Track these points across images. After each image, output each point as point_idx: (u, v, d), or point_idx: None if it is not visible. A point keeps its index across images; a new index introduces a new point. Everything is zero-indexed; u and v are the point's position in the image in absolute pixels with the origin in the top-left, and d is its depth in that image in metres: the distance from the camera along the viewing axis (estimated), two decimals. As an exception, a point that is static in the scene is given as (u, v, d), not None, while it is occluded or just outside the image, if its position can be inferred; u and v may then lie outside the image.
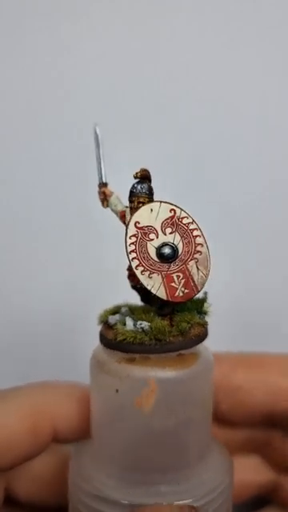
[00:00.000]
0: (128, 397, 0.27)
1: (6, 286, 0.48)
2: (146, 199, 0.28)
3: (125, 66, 0.46)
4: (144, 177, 0.28)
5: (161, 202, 0.26)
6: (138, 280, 0.28)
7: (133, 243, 0.26)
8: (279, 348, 0.33)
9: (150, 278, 0.26)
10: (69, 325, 0.47)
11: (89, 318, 0.45)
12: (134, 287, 0.30)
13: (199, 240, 0.26)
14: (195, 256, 0.26)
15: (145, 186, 0.28)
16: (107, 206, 0.29)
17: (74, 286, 0.47)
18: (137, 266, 0.26)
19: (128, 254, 0.26)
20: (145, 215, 0.26)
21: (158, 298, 0.28)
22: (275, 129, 0.44)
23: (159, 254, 0.26)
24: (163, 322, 0.28)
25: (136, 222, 0.26)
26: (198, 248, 0.26)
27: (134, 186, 0.28)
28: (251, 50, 0.44)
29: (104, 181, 0.29)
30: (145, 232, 0.26)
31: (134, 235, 0.26)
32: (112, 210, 0.29)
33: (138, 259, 0.26)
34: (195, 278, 0.26)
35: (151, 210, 0.26)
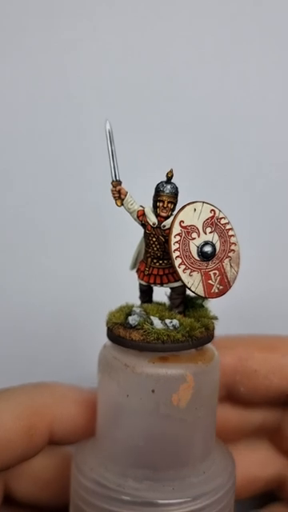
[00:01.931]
0: (163, 395, 0.27)
1: (7, 286, 0.45)
2: (174, 199, 0.28)
3: (125, 66, 0.45)
4: (172, 177, 0.28)
5: (203, 202, 0.27)
6: (154, 280, 0.29)
7: (177, 242, 0.27)
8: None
9: (191, 276, 0.27)
10: (69, 324, 0.46)
11: (89, 317, 0.43)
12: (143, 286, 0.30)
13: (233, 239, 0.28)
14: (229, 254, 0.28)
15: (174, 186, 0.28)
16: (121, 204, 0.29)
17: (74, 286, 0.46)
18: (179, 264, 0.27)
19: (172, 252, 0.27)
20: (189, 215, 0.27)
21: (179, 295, 0.29)
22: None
23: (201, 253, 0.27)
24: (190, 318, 0.29)
25: (181, 222, 0.27)
26: (232, 247, 0.28)
27: (163, 185, 0.28)
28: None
29: (118, 178, 0.29)
30: (188, 231, 0.27)
31: (178, 234, 0.27)
32: (127, 208, 0.29)
33: (181, 257, 0.27)
34: (228, 275, 0.28)
35: (194, 209, 0.27)
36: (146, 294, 0.31)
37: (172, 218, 0.28)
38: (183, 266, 0.27)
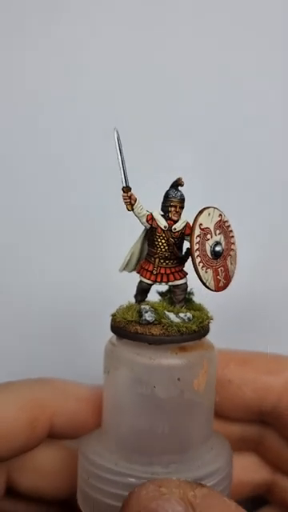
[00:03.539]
0: (187, 382, 0.31)
1: (9, 285, 0.47)
2: (183, 204, 0.32)
3: (125, 66, 0.47)
4: (182, 185, 0.32)
5: (214, 208, 0.31)
6: (161, 278, 0.32)
7: (197, 243, 0.30)
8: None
9: (206, 272, 0.31)
10: (69, 324, 0.47)
11: (90, 317, 0.43)
12: (147, 285, 0.33)
13: (233, 240, 0.33)
14: (230, 253, 0.32)
15: (182, 192, 0.32)
16: (132, 209, 0.31)
17: (75, 285, 0.47)
18: (199, 262, 0.30)
19: (194, 251, 0.30)
20: (206, 218, 0.31)
21: (183, 292, 0.33)
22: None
23: (214, 252, 0.31)
24: (195, 311, 0.32)
25: (200, 224, 0.30)
26: (232, 246, 0.33)
27: (174, 192, 0.32)
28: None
29: (128, 185, 0.31)
30: (205, 233, 0.31)
31: (198, 235, 0.30)
32: (137, 213, 0.32)
33: (200, 256, 0.31)
34: (230, 271, 0.32)
35: (209, 214, 0.31)
36: (145, 292, 0.33)
37: (181, 221, 0.32)
38: (201, 264, 0.30)
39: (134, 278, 0.34)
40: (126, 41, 0.50)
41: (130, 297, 0.34)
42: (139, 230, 0.33)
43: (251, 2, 0.51)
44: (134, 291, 0.34)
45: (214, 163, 0.51)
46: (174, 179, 0.32)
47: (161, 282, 0.32)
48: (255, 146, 0.52)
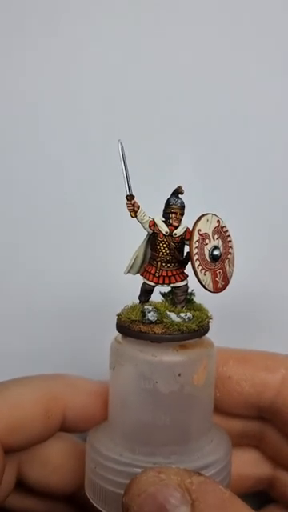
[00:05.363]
0: (187, 377, 0.35)
1: (11, 284, 0.52)
2: (183, 211, 0.36)
3: (126, 66, 0.51)
4: (182, 193, 0.36)
5: (212, 214, 0.36)
6: (163, 280, 0.37)
7: (196, 247, 0.35)
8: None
9: (205, 275, 0.36)
10: (70, 323, 0.51)
11: (90, 317, 0.47)
12: (150, 286, 0.37)
13: (230, 244, 0.37)
14: (228, 256, 0.37)
15: (182, 200, 0.36)
16: (135, 216, 0.36)
17: (75, 286, 0.51)
18: (198, 265, 0.35)
19: (193, 255, 0.35)
20: (204, 224, 0.35)
21: (184, 293, 0.37)
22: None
23: (212, 256, 0.36)
24: (195, 311, 0.37)
25: (199, 230, 0.35)
26: (230, 250, 0.37)
27: (175, 200, 0.36)
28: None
29: (132, 193, 0.36)
30: (203, 238, 0.35)
31: (197, 240, 0.35)
32: (140, 219, 0.36)
33: (199, 260, 0.35)
34: (228, 273, 0.37)
35: (207, 220, 0.35)
36: (149, 293, 0.38)
37: (181, 226, 0.36)
38: (200, 267, 0.35)
39: (128, 279, 0.38)
40: (126, 41, 0.54)
41: (130, 296, 0.39)
42: (139, 230, 0.37)
43: (251, 2, 0.55)
44: (127, 290, 0.38)
45: (214, 163, 0.55)
46: (174, 180, 0.37)
47: (163, 283, 0.37)
48: (255, 145, 0.56)
